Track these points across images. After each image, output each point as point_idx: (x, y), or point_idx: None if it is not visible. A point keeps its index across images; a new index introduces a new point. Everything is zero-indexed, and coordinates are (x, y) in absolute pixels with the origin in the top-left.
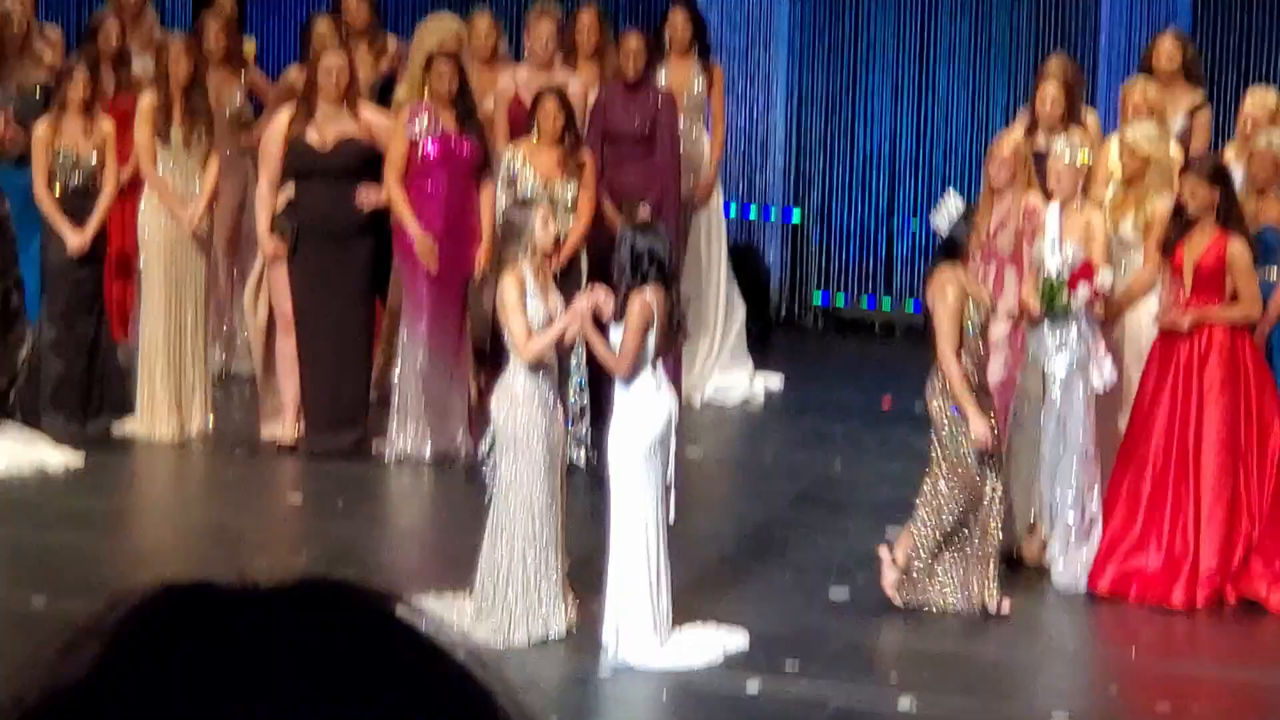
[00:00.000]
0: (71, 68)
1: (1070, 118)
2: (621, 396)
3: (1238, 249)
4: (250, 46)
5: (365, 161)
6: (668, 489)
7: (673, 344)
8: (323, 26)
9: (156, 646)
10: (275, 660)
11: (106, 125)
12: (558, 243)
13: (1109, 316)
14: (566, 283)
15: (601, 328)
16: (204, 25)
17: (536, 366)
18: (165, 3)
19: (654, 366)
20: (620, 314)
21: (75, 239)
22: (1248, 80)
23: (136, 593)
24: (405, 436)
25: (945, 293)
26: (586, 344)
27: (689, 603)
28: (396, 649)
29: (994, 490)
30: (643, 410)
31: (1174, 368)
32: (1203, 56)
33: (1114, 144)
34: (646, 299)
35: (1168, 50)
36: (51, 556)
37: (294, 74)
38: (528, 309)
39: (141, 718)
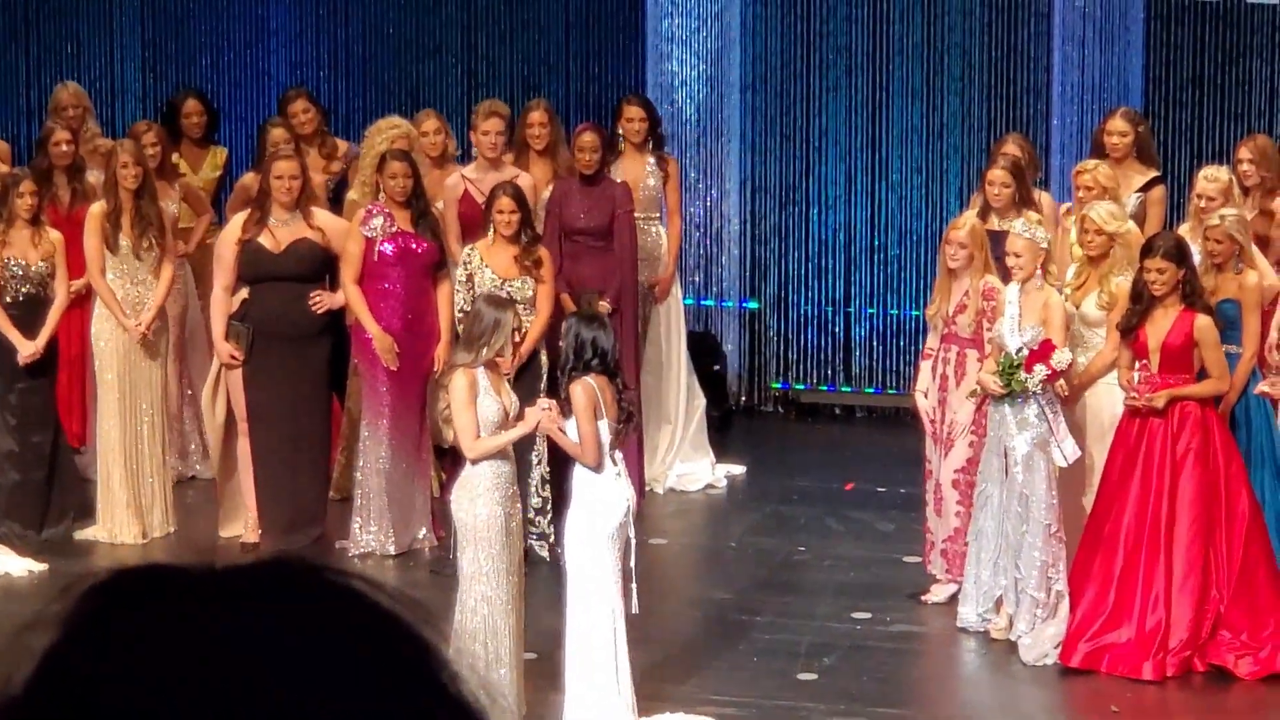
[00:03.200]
0: (19, 179)
1: (1022, 201)
2: (578, 487)
3: (1205, 324)
4: (222, 155)
5: (319, 263)
6: (628, 578)
7: (625, 432)
8: (277, 133)
9: (109, 628)
10: (230, 637)
11: (54, 235)
12: (517, 342)
13: (1072, 394)
14: (525, 379)
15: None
16: (138, 135)
17: (498, 461)
18: (107, 113)
19: (611, 456)
20: (567, 403)
21: (27, 348)
22: (1200, 159)
23: (89, 579)
24: (368, 533)
25: None
26: (548, 438)
27: (654, 689)
28: (355, 623)
29: None
30: (600, 498)
31: (1145, 444)
32: (1155, 135)
33: (1072, 224)
34: (588, 382)
35: (1119, 129)
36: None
37: (249, 180)
38: (481, 407)
39: (96, 699)
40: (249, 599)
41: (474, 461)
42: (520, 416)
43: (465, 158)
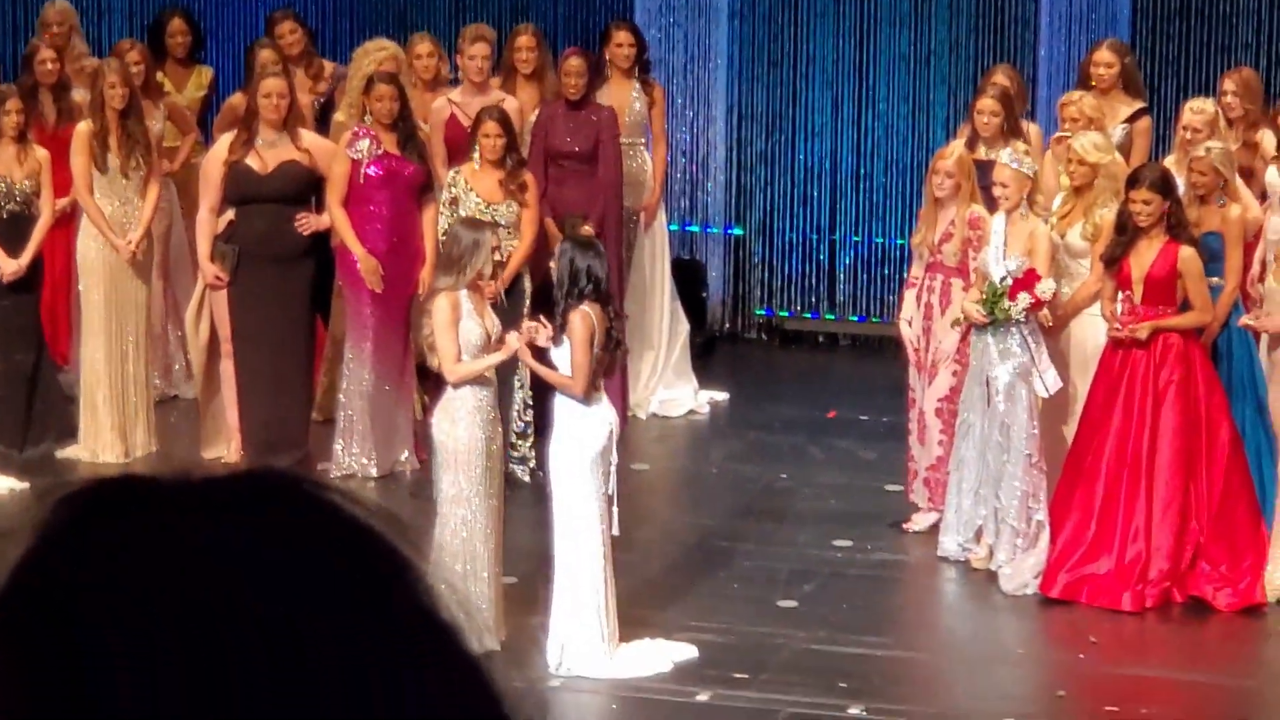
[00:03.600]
0: (4, 96)
1: (1010, 131)
2: (562, 411)
3: (1189, 256)
4: (207, 75)
5: (306, 185)
6: (610, 501)
7: (613, 360)
8: (265, 54)
9: (86, 536)
10: (208, 547)
11: (41, 153)
12: (500, 265)
13: (1056, 325)
14: (510, 303)
15: (539, 355)
16: (121, 54)
17: (479, 385)
18: (96, 32)
19: (596, 382)
20: (561, 331)
21: (9, 266)
22: (1186, 91)
23: (66, 488)
24: (351, 455)
25: None
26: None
27: (636, 614)
28: (333, 536)
29: None
30: (583, 424)
31: (1127, 375)
32: (1141, 67)
33: (1052, 156)
34: (586, 312)
35: (1105, 60)
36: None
37: (237, 100)
38: (463, 330)
39: (72, 607)
40: (227, 510)
41: (455, 385)
42: (502, 340)
43: (454, 82)
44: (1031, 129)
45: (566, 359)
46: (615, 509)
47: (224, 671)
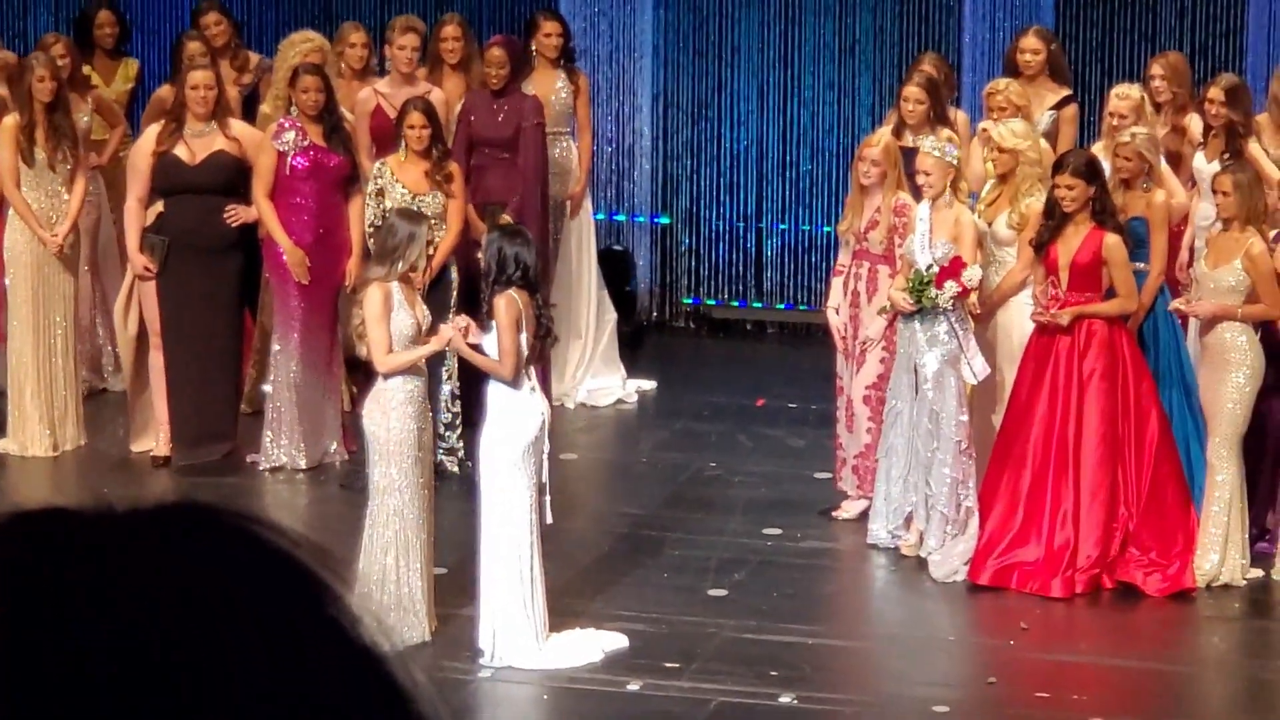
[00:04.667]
0: None
1: (936, 119)
2: (493, 401)
3: (1114, 243)
4: (134, 67)
5: (235, 175)
6: (542, 491)
7: (543, 348)
8: (193, 45)
9: (7, 569)
10: (130, 578)
11: None
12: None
13: (983, 313)
14: (436, 293)
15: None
16: (47, 47)
17: (410, 375)
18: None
19: (526, 371)
20: (488, 318)
21: None
22: (1113, 77)
23: None
24: (279, 447)
25: None
26: (458, 354)
27: (566, 604)
28: (256, 570)
29: None
30: (514, 414)
31: (1052, 362)
32: (1067, 54)
33: (979, 144)
34: (511, 295)
35: (1031, 47)
36: None
37: (164, 92)
38: (395, 321)
39: None
40: (150, 545)
41: (386, 376)
42: (433, 331)
43: (381, 72)
44: (959, 116)
45: (493, 344)
46: (547, 498)
47: (150, 709)
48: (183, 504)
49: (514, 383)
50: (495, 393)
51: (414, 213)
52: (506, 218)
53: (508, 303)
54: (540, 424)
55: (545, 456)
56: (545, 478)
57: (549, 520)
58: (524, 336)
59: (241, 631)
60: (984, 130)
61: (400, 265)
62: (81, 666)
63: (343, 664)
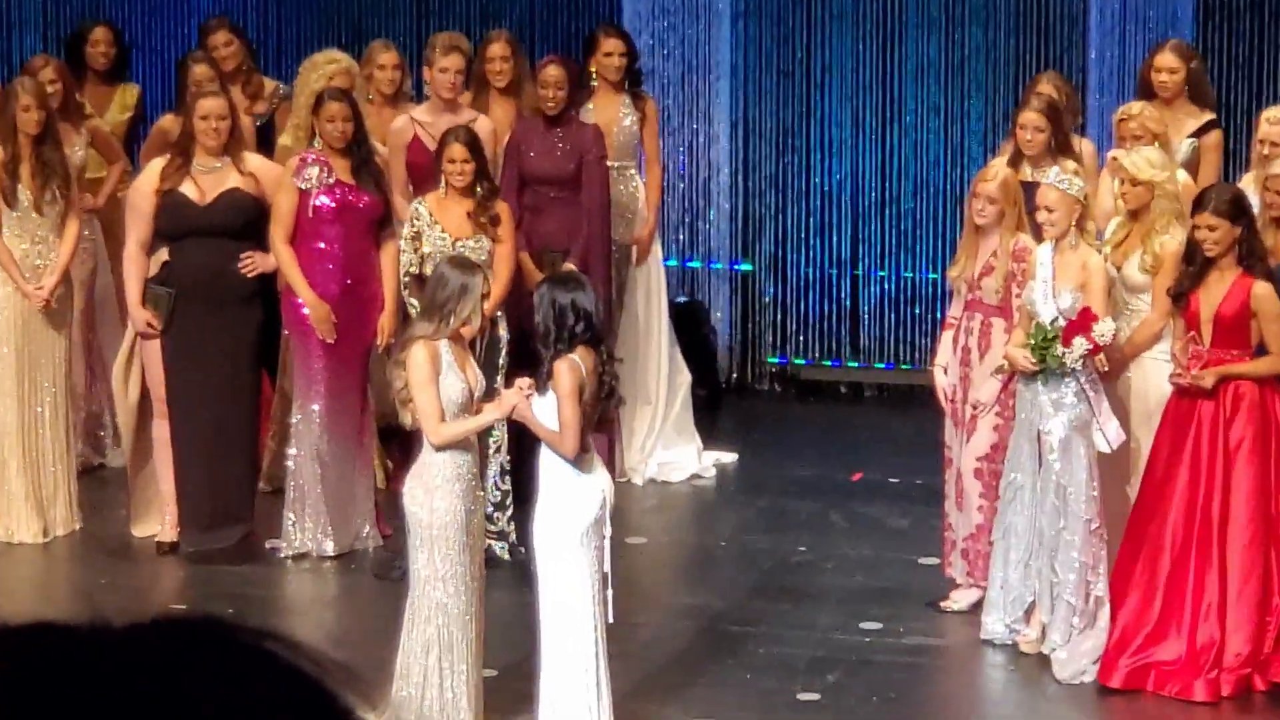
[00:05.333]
0: None
1: (1058, 148)
2: (546, 475)
3: (1264, 292)
4: (133, 93)
5: (250, 217)
6: (605, 581)
7: (605, 410)
8: (200, 69)
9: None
10: (127, 709)
11: None
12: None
13: (1112, 370)
14: (484, 354)
15: None
16: (35, 71)
17: (458, 450)
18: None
19: (584, 443)
20: (545, 382)
21: None
22: (1262, 99)
23: None
24: (302, 531)
25: None
26: (510, 421)
27: (633, 710)
28: (270, 694)
29: None
30: (572, 492)
31: (1194, 429)
32: (1209, 72)
33: (1108, 176)
34: (574, 360)
35: (1168, 66)
36: None
37: (168, 122)
38: (444, 386)
39: None
40: (149, 668)
41: (438, 448)
42: (488, 397)
43: (418, 97)
44: (1084, 145)
45: (550, 413)
46: (610, 591)
47: None
48: (189, 619)
49: (576, 460)
50: (549, 466)
51: (467, 261)
52: (570, 266)
53: (570, 368)
54: (601, 502)
55: (608, 540)
56: (608, 566)
57: (610, 618)
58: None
59: None
60: (1114, 160)
61: (451, 322)
62: None
63: None
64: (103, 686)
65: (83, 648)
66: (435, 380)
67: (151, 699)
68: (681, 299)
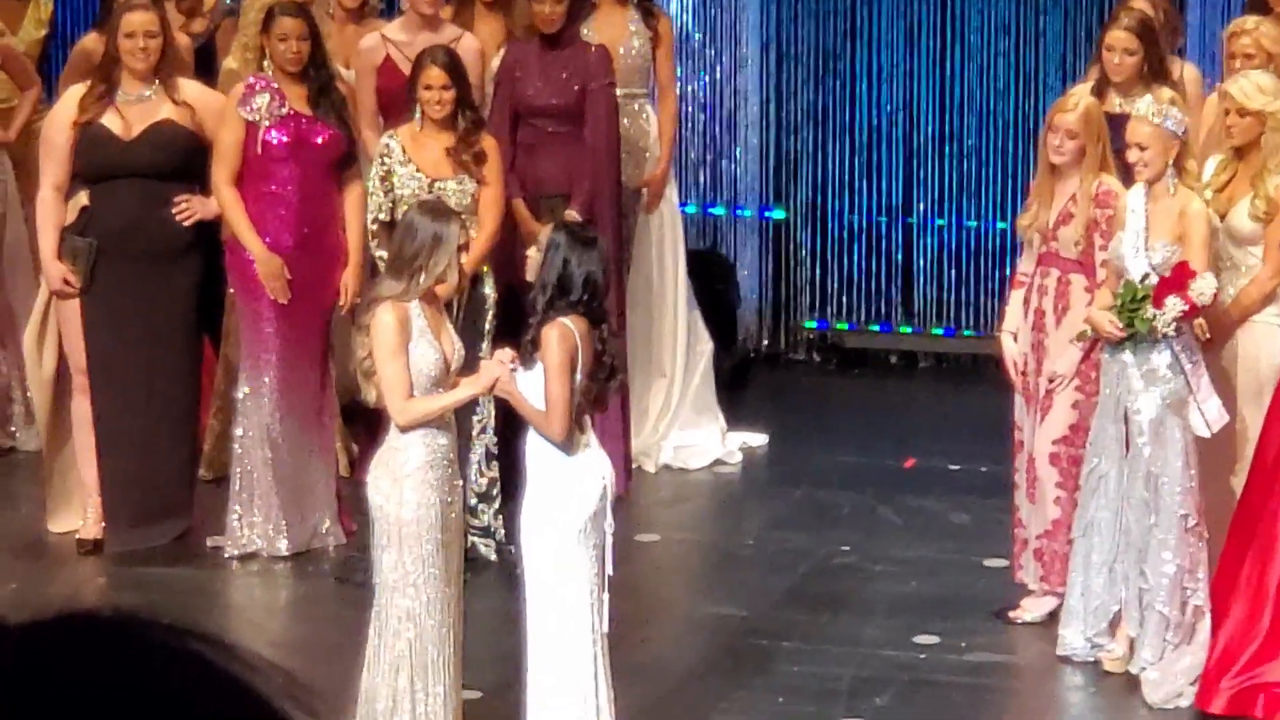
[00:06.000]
0: None
1: (1152, 74)
2: (535, 462)
3: None
4: (47, 9)
5: (185, 155)
6: (603, 585)
7: (605, 393)
8: None
9: None
10: (21, 704)
11: None
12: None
13: (1215, 337)
14: (465, 317)
15: None
16: None
17: (433, 429)
18: None
19: (580, 423)
20: (530, 352)
21: None
22: None
23: None
24: (250, 527)
25: None
26: (497, 400)
27: None
28: (199, 699)
29: None
30: (566, 481)
31: None
32: None
33: (1214, 104)
34: (566, 326)
35: None
36: None
37: (91, 42)
38: (415, 355)
39: None
40: (47, 669)
41: (404, 429)
42: (467, 369)
43: (391, 11)
44: (1186, 70)
45: (538, 387)
46: (607, 596)
47: None
48: (97, 615)
49: (564, 444)
50: (538, 451)
51: (442, 207)
52: (572, 215)
53: (561, 335)
54: (601, 492)
55: (610, 537)
56: (611, 567)
57: (605, 628)
58: (576, 376)
59: None
60: (1221, 89)
61: (423, 279)
62: None
63: None
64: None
65: None
66: (404, 349)
67: (46, 705)
68: (703, 251)
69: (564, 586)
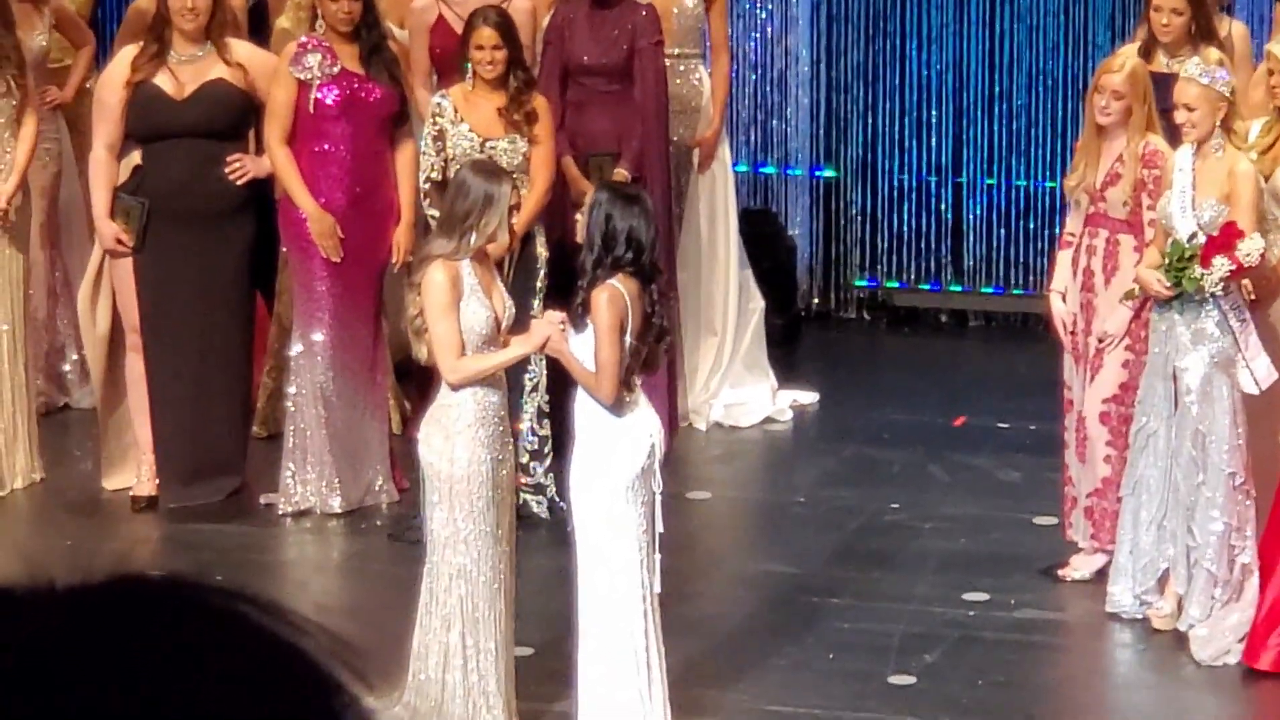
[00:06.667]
0: None
1: (1200, 34)
2: (585, 422)
3: None
4: None
5: (237, 115)
6: (654, 544)
7: (653, 353)
8: None
9: None
10: (66, 682)
11: None
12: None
13: (1262, 297)
14: (517, 277)
15: None
16: None
17: (484, 387)
18: None
19: (628, 382)
20: (581, 314)
21: None
22: None
23: None
24: (304, 484)
25: None
26: (549, 358)
27: (693, 695)
28: (247, 664)
29: None
30: (614, 440)
31: None
32: None
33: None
34: (617, 289)
35: None
36: None
37: (144, 2)
38: (466, 314)
39: None
40: (97, 634)
41: (455, 387)
42: (518, 328)
43: None
44: (1235, 29)
45: (589, 349)
46: (658, 556)
47: None
48: (146, 578)
49: (614, 405)
50: (586, 410)
51: (493, 166)
52: (622, 173)
53: (611, 298)
54: (649, 450)
55: (659, 495)
56: (660, 525)
57: (657, 588)
58: (625, 340)
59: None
60: (1267, 50)
61: (474, 238)
62: None
63: None
64: (39, 655)
65: (18, 611)
66: (455, 307)
67: (95, 669)
68: (755, 210)
69: (612, 544)
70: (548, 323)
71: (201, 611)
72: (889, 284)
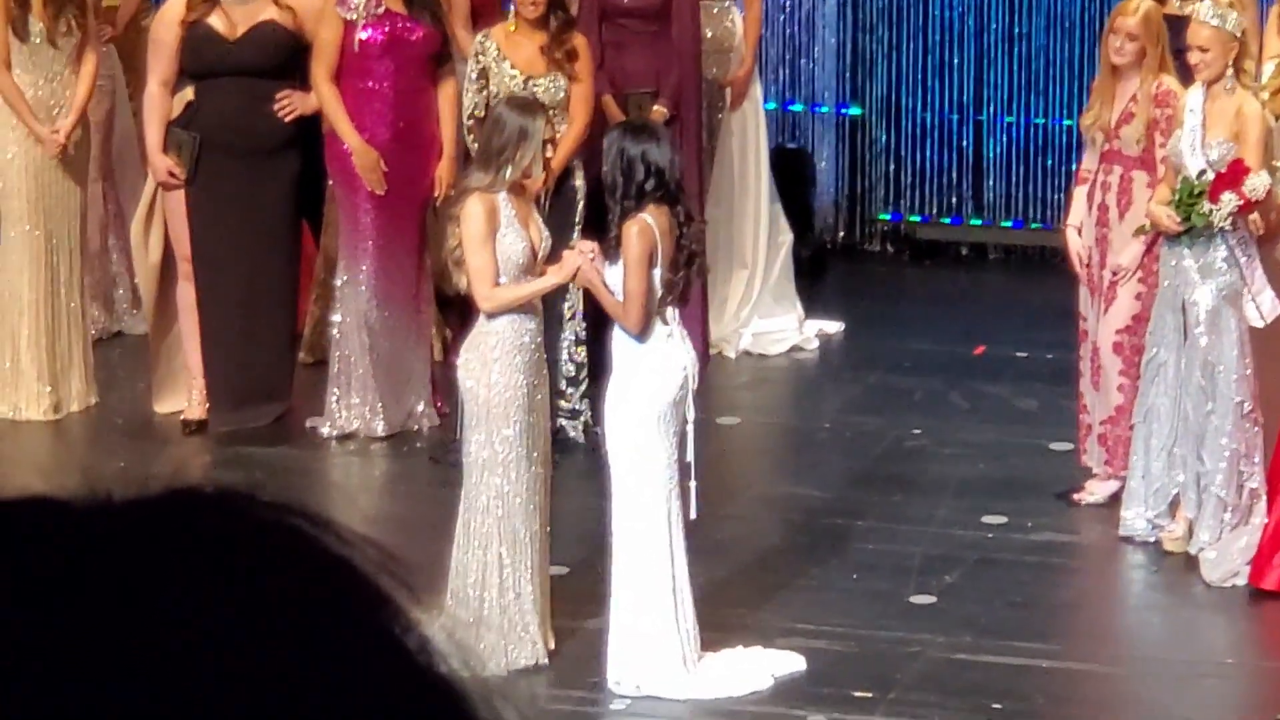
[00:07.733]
0: None
1: None
2: (621, 352)
3: None
4: None
5: (286, 54)
6: (687, 472)
7: (686, 282)
8: None
9: None
10: (123, 590)
11: None
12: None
13: (1269, 232)
14: (555, 209)
15: None
16: None
17: (520, 315)
18: None
19: (662, 314)
20: (615, 247)
21: None
22: None
23: None
24: (348, 409)
25: None
26: (585, 290)
27: (722, 615)
28: (296, 573)
29: None
30: (646, 370)
31: None
32: None
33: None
34: (646, 222)
35: None
36: None
37: None
38: (503, 244)
39: None
40: (151, 545)
41: (490, 315)
42: (553, 258)
43: None
44: None
45: (620, 281)
46: (693, 483)
47: None
48: (199, 491)
49: (641, 334)
50: (622, 340)
51: (528, 101)
52: (661, 110)
53: (640, 231)
54: (682, 381)
55: (691, 424)
56: (691, 455)
57: (693, 514)
58: (656, 272)
59: (267, 657)
60: None
61: (510, 171)
62: (60, 696)
63: (402, 702)
64: (97, 563)
65: (76, 522)
66: (491, 238)
67: (150, 576)
68: (784, 147)
69: (643, 470)
70: (578, 253)
71: (253, 523)
72: (911, 218)
